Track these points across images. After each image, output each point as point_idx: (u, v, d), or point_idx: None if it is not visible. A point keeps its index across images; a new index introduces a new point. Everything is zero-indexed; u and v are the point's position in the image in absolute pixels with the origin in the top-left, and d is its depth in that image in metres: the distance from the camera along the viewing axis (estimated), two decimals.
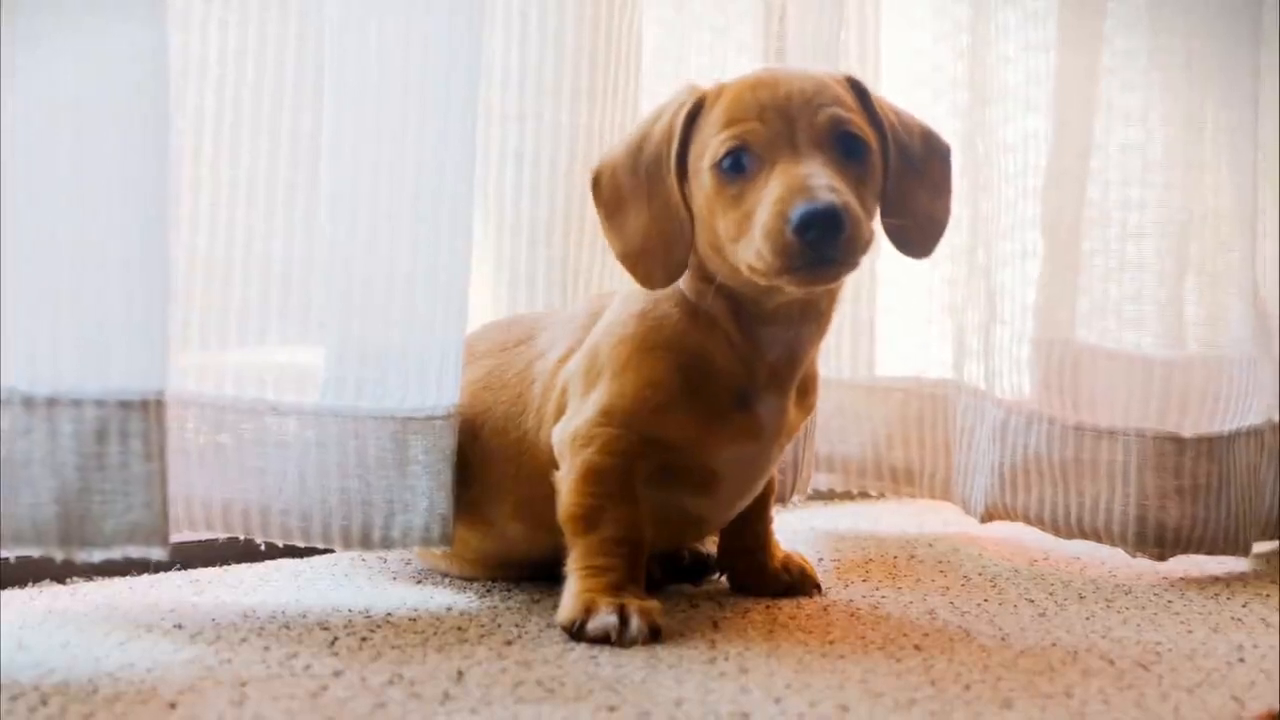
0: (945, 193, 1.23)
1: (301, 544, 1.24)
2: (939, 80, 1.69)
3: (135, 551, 1.05)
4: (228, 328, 1.24)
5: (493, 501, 1.26)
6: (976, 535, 1.64)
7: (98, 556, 1.05)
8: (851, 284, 1.68)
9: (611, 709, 0.94)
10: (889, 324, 1.75)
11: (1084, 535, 1.50)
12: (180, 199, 1.23)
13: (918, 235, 1.21)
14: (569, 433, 1.19)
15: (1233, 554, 1.50)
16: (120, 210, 1.05)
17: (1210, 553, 1.49)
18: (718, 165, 1.13)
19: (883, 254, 1.72)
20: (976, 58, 1.60)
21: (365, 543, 1.22)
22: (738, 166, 1.12)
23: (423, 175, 1.21)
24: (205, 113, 1.23)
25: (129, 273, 1.05)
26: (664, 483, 1.20)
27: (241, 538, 1.24)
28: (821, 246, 1.06)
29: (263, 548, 1.30)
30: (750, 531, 1.32)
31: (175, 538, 1.33)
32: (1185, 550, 1.48)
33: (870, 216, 1.14)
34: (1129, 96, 1.54)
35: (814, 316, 1.20)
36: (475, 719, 0.92)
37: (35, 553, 1.05)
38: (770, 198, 1.08)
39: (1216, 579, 1.45)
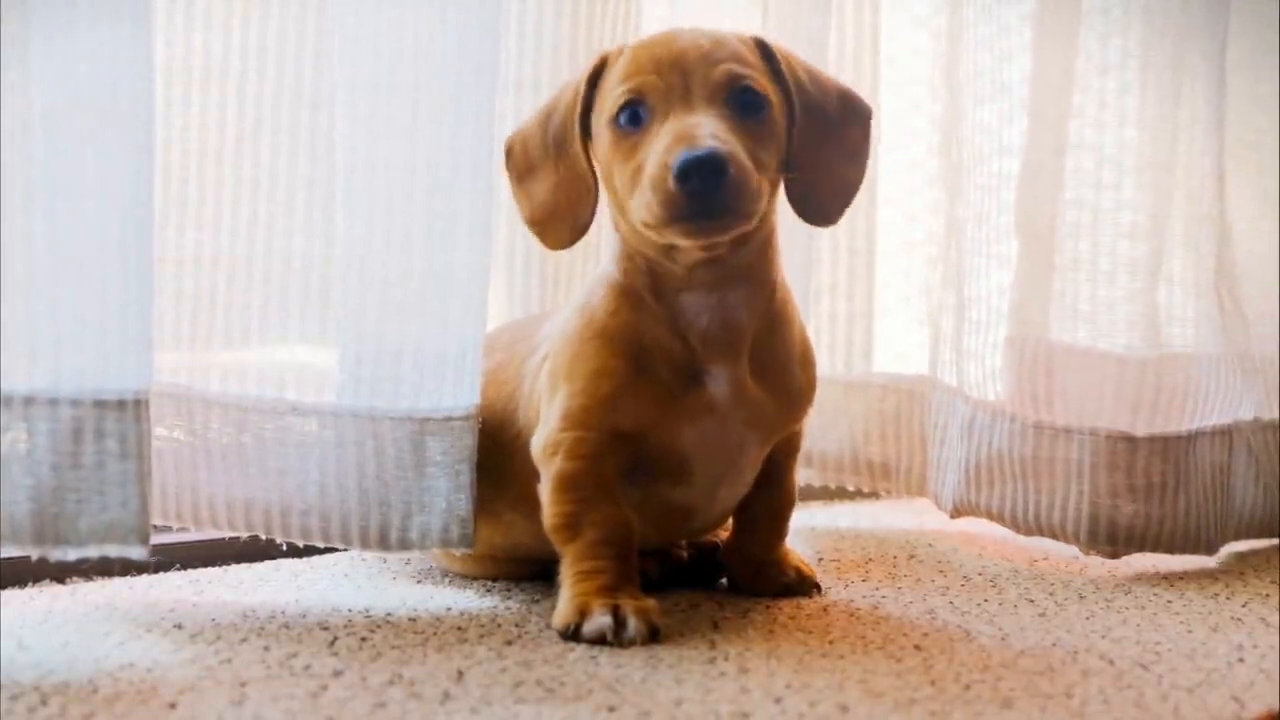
0: (861, 157, 1.23)
1: (321, 544, 1.25)
2: (937, 79, 1.69)
3: (113, 550, 1.05)
4: (249, 326, 1.25)
5: (497, 491, 1.26)
6: (976, 535, 1.64)
7: (73, 555, 1.05)
8: (829, 279, 1.70)
9: (611, 709, 0.94)
10: (877, 321, 1.75)
11: (1041, 532, 1.51)
12: (203, 199, 1.24)
13: (825, 198, 1.21)
14: (539, 443, 1.19)
15: (1194, 553, 1.50)
16: (100, 211, 1.05)
17: (1168, 551, 1.49)
18: (614, 119, 1.14)
19: (879, 253, 1.74)
20: (954, 60, 1.60)
21: (383, 544, 1.23)
22: (634, 120, 1.13)
23: (439, 172, 1.21)
24: (227, 111, 1.24)
25: (109, 273, 1.05)
26: (640, 476, 1.20)
27: (244, 536, 1.25)
28: (704, 195, 1.06)
29: (264, 543, 1.30)
30: (757, 536, 1.31)
31: (178, 537, 1.34)
32: (1140, 549, 1.48)
33: (767, 172, 1.14)
34: (1104, 95, 1.54)
35: (738, 280, 1.18)
36: (475, 719, 0.92)
37: (10, 550, 1.05)
38: (657, 148, 1.09)
39: (1216, 579, 1.45)
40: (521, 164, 1.22)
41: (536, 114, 1.23)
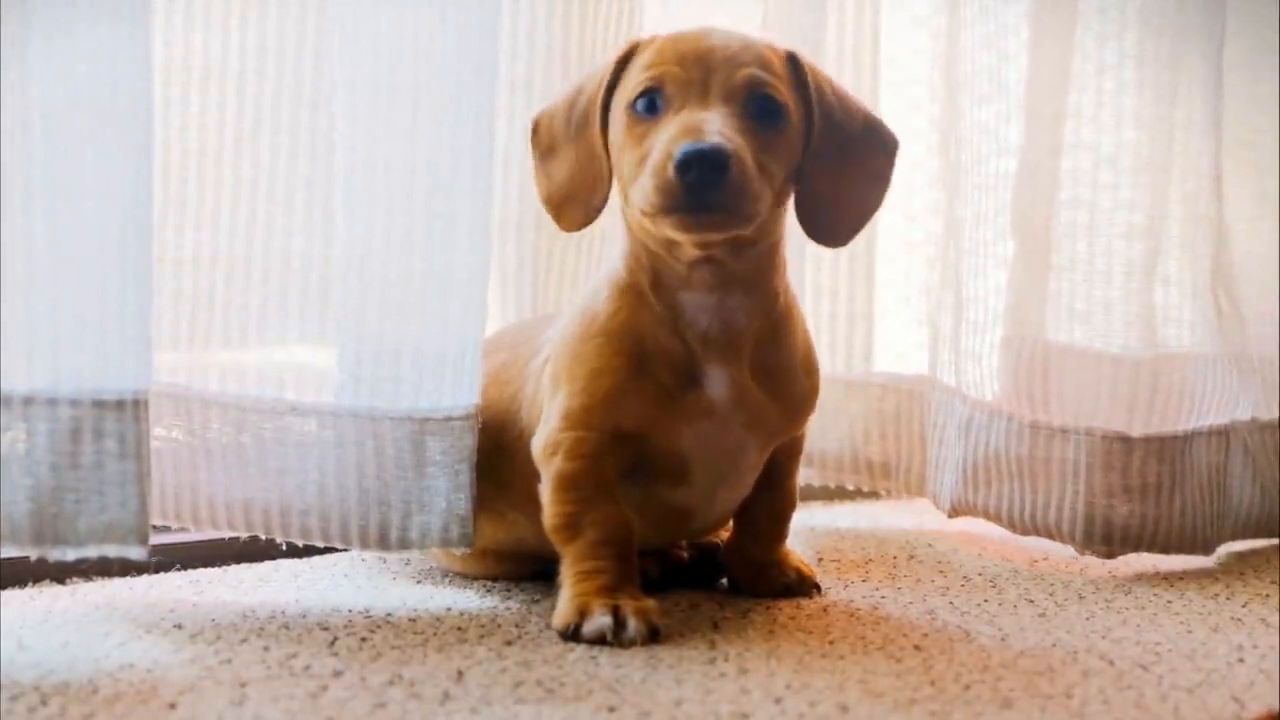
0: (878, 186, 1.23)
1: (321, 544, 1.25)
2: (936, 79, 1.69)
3: (112, 550, 1.05)
4: (248, 326, 1.25)
5: (500, 490, 1.26)
6: (976, 535, 1.64)
7: (71, 555, 1.05)
8: (829, 279, 1.69)
9: (611, 709, 0.94)
10: (878, 322, 1.75)
11: (1038, 532, 1.51)
12: (202, 199, 1.24)
13: (835, 220, 1.21)
14: (540, 444, 1.19)
15: (1190, 553, 1.51)
16: (100, 211, 1.05)
17: (1164, 551, 1.49)
18: (631, 105, 1.14)
19: (878, 254, 1.74)
20: (953, 60, 1.60)
21: (383, 543, 1.23)
22: (651, 108, 1.14)
23: (439, 172, 1.21)
24: (226, 111, 1.24)
25: (109, 273, 1.05)
26: (639, 477, 1.20)
27: (244, 536, 1.25)
28: (701, 188, 1.07)
29: (264, 543, 1.30)
30: (758, 538, 1.31)
31: (178, 537, 1.34)
32: (1135, 549, 1.48)
33: (773, 181, 1.14)
34: (1101, 95, 1.54)
35: (739, 285, 1.18)
36: (475, 719, 0.92)
37: (9, 551, 1.05)
38: (664, 137, 1.10)
39: (1217, 579, 1.45)
40: (545, 142, 1.23)
41: (566, 94, 1.24)
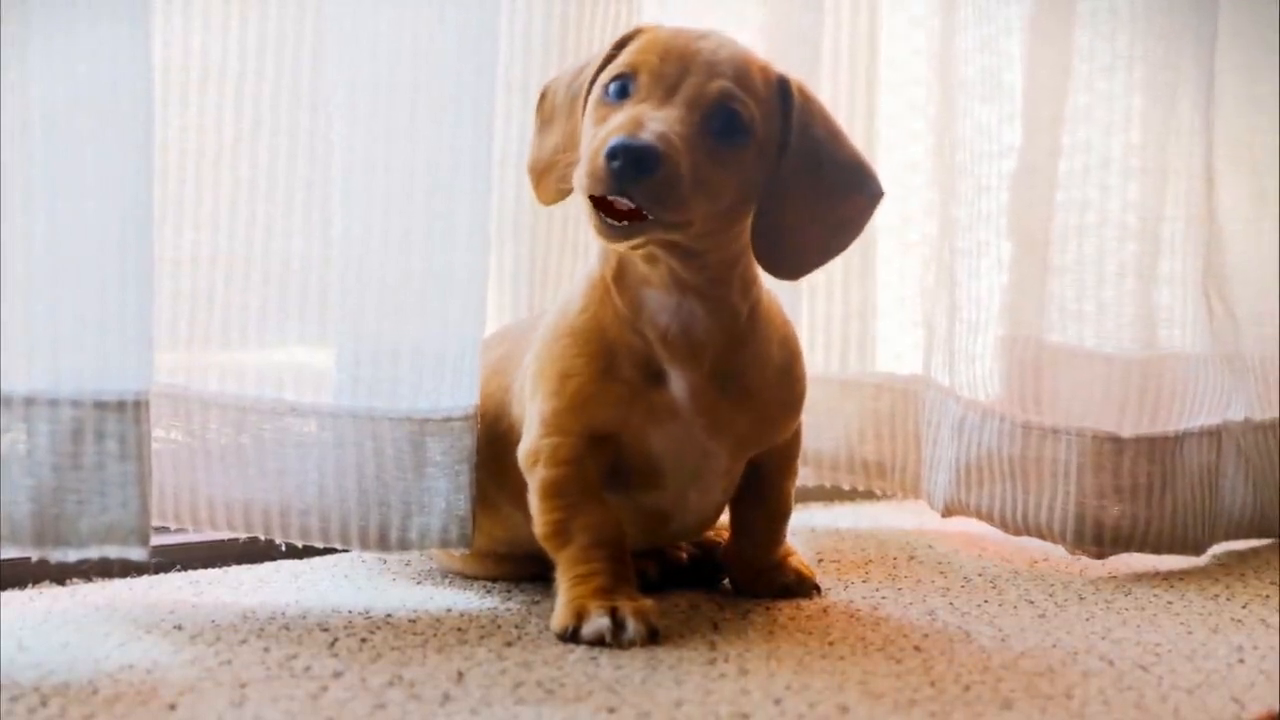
0: (848, 229, 1.20)
1: (320, 544, 1.25)
2: (933, 79, 1.69)
3: (113, 551, 1.05)
4: (248, 327, 1.25)
5: (497, 485, 1.26)
6: (977, 536, 1.64)
7: (73, 556, 1.05)
8: (825, 279, 1.69)
9: (611, 710, 0.94)
10: (875, 322, 1.75)
11: (1029, 532, 1.51)
12: (200, 200, 1.24)
13: (797, 254, 1.19)
14: (522, 452, 1.20)
15: (1181, 553, 1.51)
16: (100, 211, 1.05)
17: (1155, 551, 1.50)
18: (605, 86, 1.14)
19: (877, 255, 1.74)
20: (949, 61, 1.60)
21: (383, 544, 1.23)
22: (621, 93, 1.13)
23: (439, 172, 1.21)
24: (225, 112, 1.24)
25: (109, 273, 1.05)
26: (614, 481, 1.20)
27: (243, 537, 1.26)
28: (623, 180, 1.05)
29: (264, 544, 1.31)
30: (755, 540, 1.31)
31: (178, 538, 1.34)
32: (1126, 549, 1.49)
33: (717, 197, 1.11)
34: (1099, 97, 1.54)
35: (694, 293, 1.16)
36: None
37: (10, 551, 1.06)
38: (610, 124, 1.09)
39: (1217, 580, 1.45)
40: (547, 111, 1.23)
41: (573, 68, 1.23)
